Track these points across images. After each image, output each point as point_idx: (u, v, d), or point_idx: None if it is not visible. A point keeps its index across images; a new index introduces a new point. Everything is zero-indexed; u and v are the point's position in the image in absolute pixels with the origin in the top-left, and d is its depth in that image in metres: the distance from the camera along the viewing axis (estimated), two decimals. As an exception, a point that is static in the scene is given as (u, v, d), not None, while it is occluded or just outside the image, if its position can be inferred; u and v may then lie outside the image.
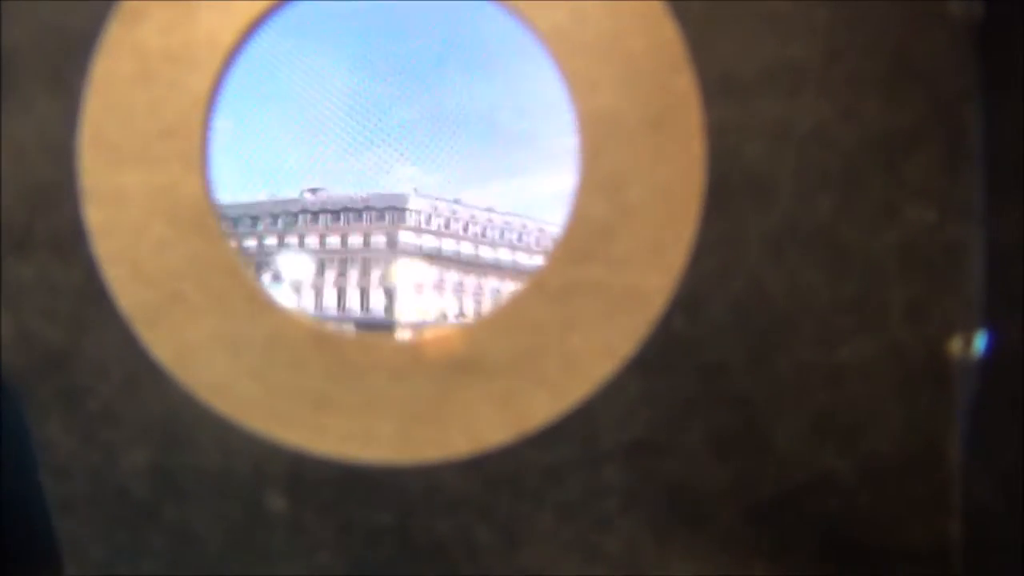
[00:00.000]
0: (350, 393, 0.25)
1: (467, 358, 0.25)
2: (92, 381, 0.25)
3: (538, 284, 0.25)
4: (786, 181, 0.25)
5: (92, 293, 0.25)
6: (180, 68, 0.25)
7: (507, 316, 0.25)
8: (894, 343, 0.25)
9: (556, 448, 0.25)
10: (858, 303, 0.25)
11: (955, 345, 0.24)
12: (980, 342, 0.24)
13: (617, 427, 0.25)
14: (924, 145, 0.25)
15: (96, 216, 0.25)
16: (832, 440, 0.25)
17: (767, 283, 0.25)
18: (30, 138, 0.25)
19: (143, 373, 0.25)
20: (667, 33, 0.25)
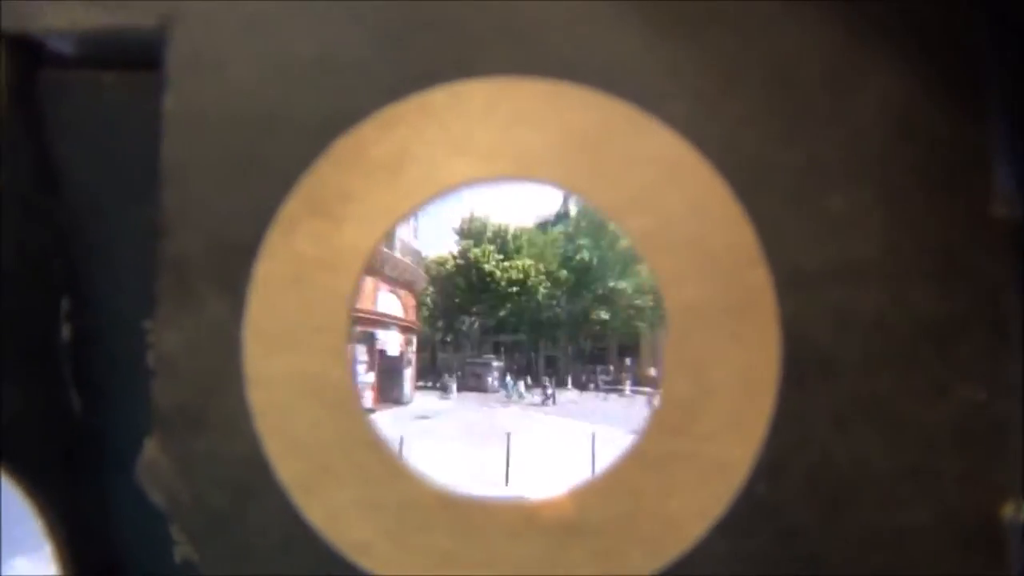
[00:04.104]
0: (472, 550, 0.29)
1: (575, 520, 0.29)
2: (256, 540, 0.29)
3: (636, 455, 0.29)
4: (850, 363, 0.29)
5: (255, 464, 0.29)
6: (328, 272, 0.30)
7: (610, 482, 0.29)
8: (948, 508, 0.28)
9: None
10: (915, 472, 0.28)
11: (1006, 511, 0.28)
12: (1027, 509, 0.28)
13: None
14: (971, 331, 0.29)
15: (258, 398, 0.29)
16: None
17: (835, 453, 0.29)
18: (203, 332, 0.30)
19: (298, 534, 0.29)
20: (743, 233, 0.29)
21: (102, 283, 0.35)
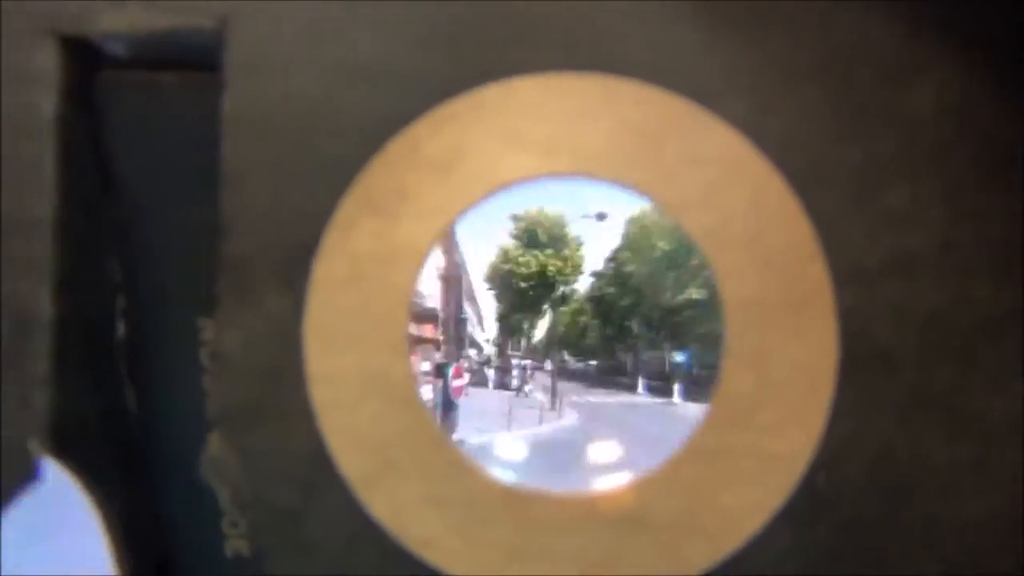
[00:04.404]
0: (537, 544, 0.29)
1: (637, 513, 0.29)
2: (320, 536, 0.30)
3: (695, 448, 0.29)
4: (909, 357, 0.29)
5: (319, 460, 0.30)
6: (386, 269, 0.30)
7: (669, 475, 0.29)
8: (1010, 499, 0.28)
9: None
10: (976, 464, 0.29)
11: (1065, 502, 0.28)
12: (1087, 499, 0.28)
13: (769, 575, 0.29)
14: None
15: (320, 395, 0.30)
16: None
17: (895, 446, 0.29)
18: (264, 330, 0.30)
19: (363, 529, 0.29)
20: (802, 229, 0.29)
21: (152, 281, 0.35)
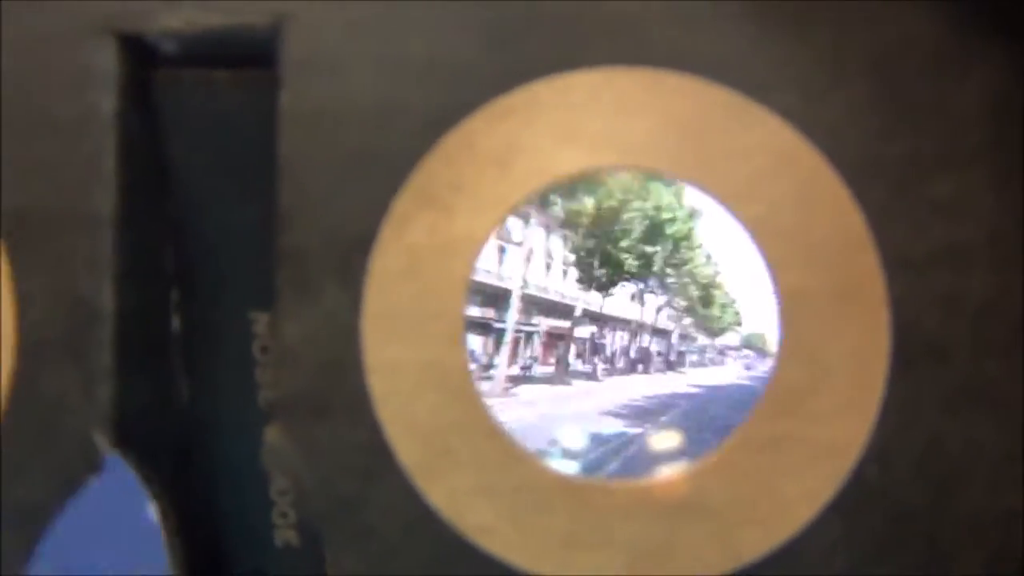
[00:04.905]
0: (592, 531, 0.30)
1: (690, 501, 0.30)
2: (379, 524, 0.30)
3: (748, 436, 0.30)
4: (959, 347, 0.29)
5: (377, 449, 0.30)
6: (442, 261, 0.30)
7: (723, 463, 0.30)
8: None
9: None
10: None
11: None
12: None
13: (820, 564, 0.29)
14: None
15: (377, 385, 0.30)
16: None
17: (945, 437, 0.29)
18: (320, 323, 0.31)
19: (421, 517, 0.30)
20: (852, 219, 0.30)
21: (205, 275, 0.36)
